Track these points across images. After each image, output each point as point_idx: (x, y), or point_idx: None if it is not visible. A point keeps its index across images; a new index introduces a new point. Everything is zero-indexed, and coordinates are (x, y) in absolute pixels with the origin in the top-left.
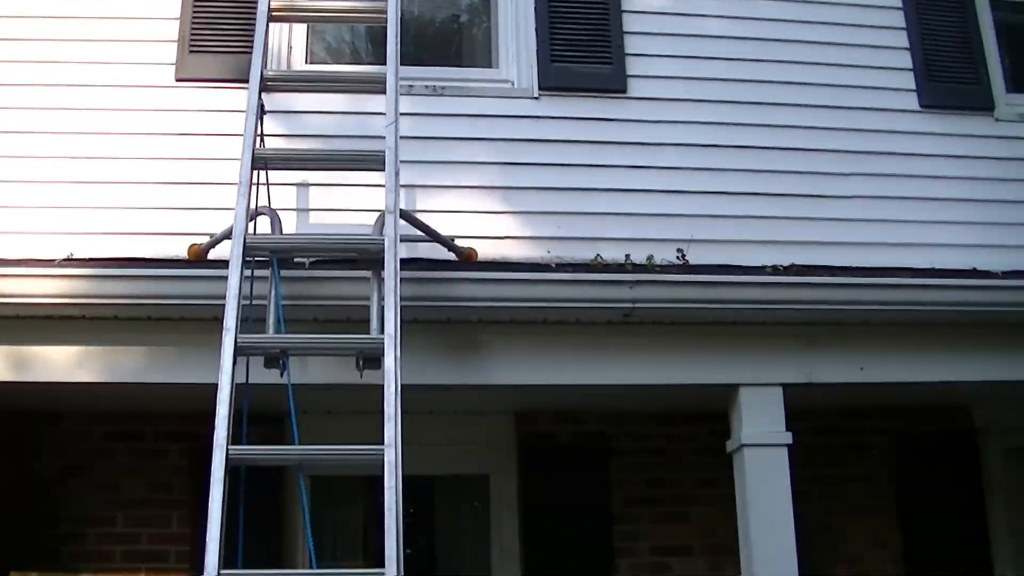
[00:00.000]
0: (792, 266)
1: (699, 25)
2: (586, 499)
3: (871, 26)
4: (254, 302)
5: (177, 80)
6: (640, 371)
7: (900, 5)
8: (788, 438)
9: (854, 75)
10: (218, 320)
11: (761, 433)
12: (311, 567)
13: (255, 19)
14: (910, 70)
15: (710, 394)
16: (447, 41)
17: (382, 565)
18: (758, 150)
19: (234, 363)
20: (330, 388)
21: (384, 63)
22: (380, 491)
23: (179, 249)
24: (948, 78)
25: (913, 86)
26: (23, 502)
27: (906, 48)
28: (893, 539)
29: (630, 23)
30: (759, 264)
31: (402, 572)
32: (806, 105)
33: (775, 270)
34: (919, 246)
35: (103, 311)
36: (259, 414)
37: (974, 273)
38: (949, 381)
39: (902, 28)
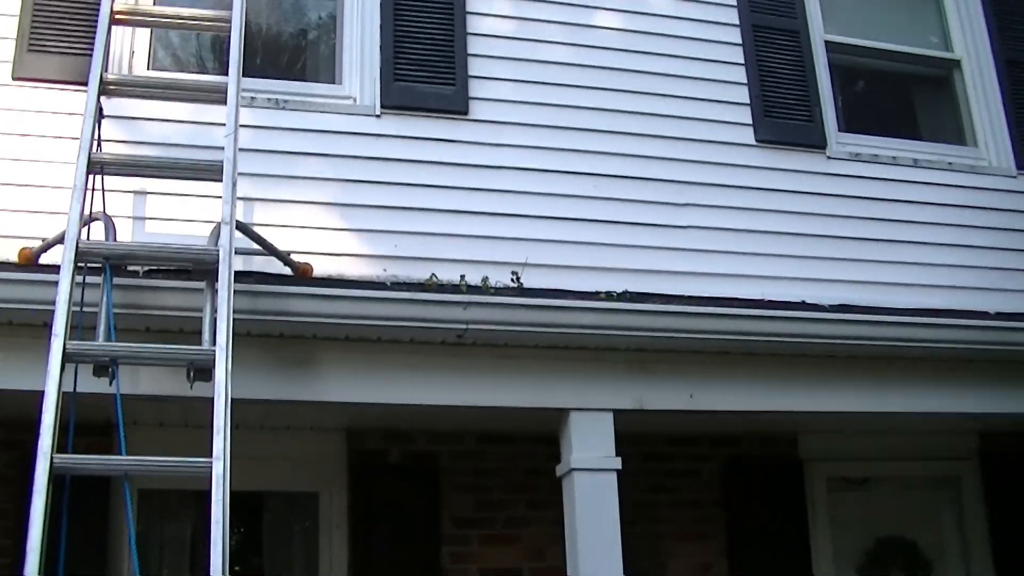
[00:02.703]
0: (625, 293)
1: (543, 51)
2: (416, 519)
3: (712, 60)
4: (85, 309)
5: (14, 79)
6: (472, 392)
7: (739, 42)
8: (617, 463)
9: (694, 107)
10: (47, 326)
11: (591, 458)
12: None
13: (97, 21)
14: (747, 105)
15: (541, 417)
16: (292, 55)
17: None
18: (596, 177)
19: (62, 370)
20: (161, 400)
21: (227, 73)
22: (208, 505)
23: (9, 252)
24: (784, 115)
25: (750, 121)
26: None
27: (744, 84)
28: (719, 564)
29: (475, 45)
30: (593, 290)
31: None
32: (647, 135)
33: (608, 296)
34: (751, 277)
35: None
36: (86, 424)
37: (803, 306)
38: (776, 411)
39: (741, 64)
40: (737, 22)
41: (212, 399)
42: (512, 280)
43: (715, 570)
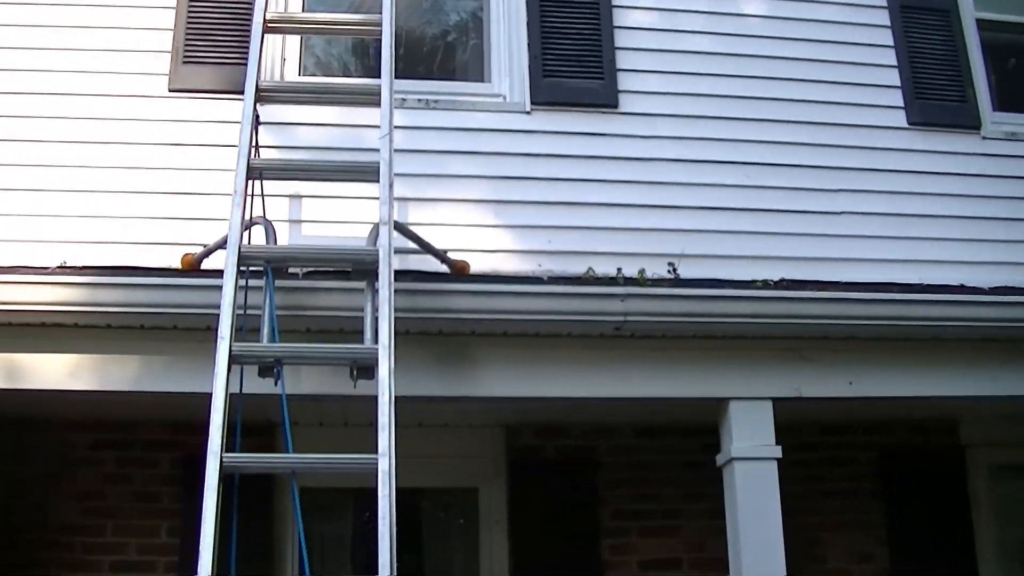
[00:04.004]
0: (782, 281)
1: (689, 42)
2: (575, 512)
3: (859, 44)
4: (248, 312)
5: (170, 91)
6: (631, 384)
7: (888, 23)
8: (778, 452)
9: (843, 92)
10: (211, 330)
11: (751, 447)
12: None
13: (249, 30)
14: (898, 88)
15: (699, 408)
16: (439, 55)
17: (375, 574)
18: (748, 166)
19: (228, 371)
20: (321, 399)
21: (374, 76)
22: (372, 502)
23: (172, 259)
24: (935, 96)
25: (901, 103)
26: (8, 510)
27: (894, 66)
28: (879, 554)
29: (621, 39)
30: (749, 279)
31: None
32: (795, 121)
33: (765, 285)
34: (907, 262)
35: (96, 319)
36: (248, 425)
37: (962, 289)
38: (937, 396)
39: (890, 46)
40: (885, 4)
41: (375, 396)
42: (668, 271)
43: (875, 560)
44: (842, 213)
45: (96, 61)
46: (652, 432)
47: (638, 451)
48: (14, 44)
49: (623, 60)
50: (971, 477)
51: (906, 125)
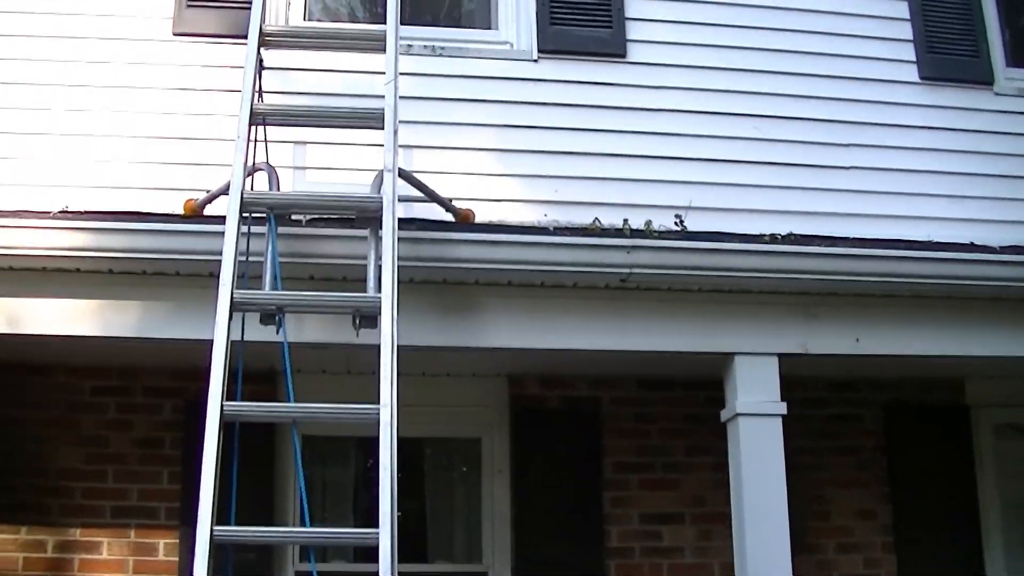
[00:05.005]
0: (790, 235)
1: None
2: (577, 464)
3: None
4: (250, 259)
5: (174, 34)
6: (636, 337)
7: None
8: (783, 408)
9: (854, 45)
10: (214, 276)
11: (756, 403)
12: (303, 526)
13: None
14: (910, 41)
15: (704, 362)
16: (446, 2)
17: (375, 526)
18: (757, 118)
19: (230, 318)
20: (324, 347)
21: (381, 22)
22: (373, 452)
23: (175, 204)
24: (948, 51)
25: (913, 58)
26: (9, 454)
27: (906, 19)
28: (882, 511)
29: None
30: (757, 232)
31: (395, 533)
32: (806, 74)
33: (773, 239)
34: (917, 219)
35: (98, 264)
36: (251, 372)
37: (972, 247)
38: (944, 355)
39: None
40: None
41: (377, 346)
42: (675, 223)
43: (879, 517)
44: (851, 168)
45: (99, 3)
46: (656, 384)
47: (642, 403)
48: None
49: (632, 8)
50: (976, 436)
51: (918, 80)
